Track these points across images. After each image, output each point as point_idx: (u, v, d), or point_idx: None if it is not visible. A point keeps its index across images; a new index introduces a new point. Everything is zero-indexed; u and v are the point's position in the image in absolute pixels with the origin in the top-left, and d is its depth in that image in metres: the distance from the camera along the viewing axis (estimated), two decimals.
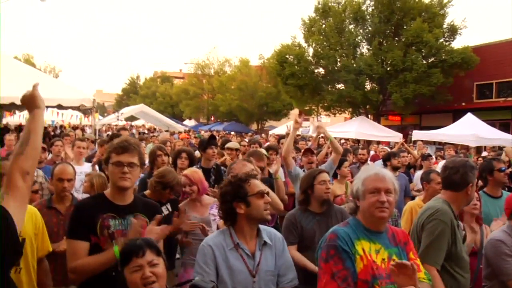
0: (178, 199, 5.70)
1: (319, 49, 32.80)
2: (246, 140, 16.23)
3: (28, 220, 3.89)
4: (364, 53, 32.48)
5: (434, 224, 3.90)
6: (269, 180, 6.31)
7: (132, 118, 38.84)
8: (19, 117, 33.40)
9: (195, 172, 5.48)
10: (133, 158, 3.49)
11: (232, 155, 8.83)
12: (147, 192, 5.39)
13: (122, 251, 2.94)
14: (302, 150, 8.27)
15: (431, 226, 3.91)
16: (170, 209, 5.33)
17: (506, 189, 6.92)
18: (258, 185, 3.56)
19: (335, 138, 9.19)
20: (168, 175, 5.31)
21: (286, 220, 5.10)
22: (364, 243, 3.18)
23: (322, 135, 9.20)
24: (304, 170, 7.40)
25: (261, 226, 3.61)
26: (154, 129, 37.48)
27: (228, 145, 9.24)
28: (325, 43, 32.47)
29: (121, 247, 3.00)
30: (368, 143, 23.29)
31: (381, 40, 31.16)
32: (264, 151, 7.66)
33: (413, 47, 29.44)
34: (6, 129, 28.35)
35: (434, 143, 24.09)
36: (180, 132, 28.91)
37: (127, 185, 3.48)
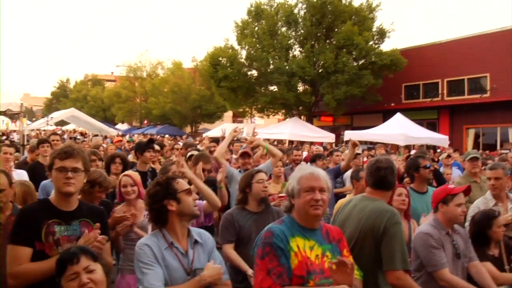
0: (111, 202, 5.64)
1: (252, 52, 32.98)
2: (180, 143, 16.14)
3: None
4: (297, 56, 32.90)
5: (396, 228, 3.93)
6: (214, 183, 6.31)
7: (62, 122, 37.99)
8: None
9: (136, 175, 5.53)
10: (76, 163, 3.49)
11: (154, 156, 8.75)
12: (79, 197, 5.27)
13: (57, 260, 2.90)
14: (239, 152, 8.30)
15: (394, 230, 3.91)
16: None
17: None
18: (184, 183, 3.67)
19: (268, 140, 9.31)
20: (93, 173, 5.21)
21: (223, 219, 5.17)
22: (298, 240, 3.28)
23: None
24: (240, 171, 7.46)
25: (190, 227, 3.66)
26: (85, 133, 36.66)
27: None
28: (258, 45, 32.66)
29: (58, 256, 2.96)
30: (301, 144, 23.63)
31: (313, 42, 31.63)
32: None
33: (344, 50, 30.10)
34: None
35: (365, 142, 24.68)
36: (112, 136, 28.42)
37: (71, 190, 3.46)
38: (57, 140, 9.50)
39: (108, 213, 5.16)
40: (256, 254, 3.29)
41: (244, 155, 7.89)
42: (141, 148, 7.74)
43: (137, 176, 5.47)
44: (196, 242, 3.58)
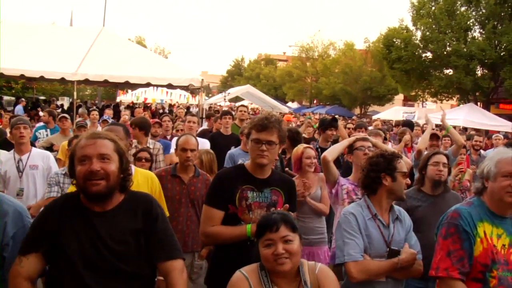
0: None
1: (428, 33, 31.62)
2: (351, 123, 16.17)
3: (144, 183, 4.14)
4: (476, 37, 30.92)
5: None
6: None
7: (236, 99, 39.66)
8: (131, 96, 35.21)
9: (314, 149, 5.82)
10: (271, 136, 3.56)
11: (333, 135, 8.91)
12: None
13: (258, 223, 3.00)
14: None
15: None
16: None
17: None
18: (404, 166, 3.86)
19: (440, 124, 9.05)
20: None
21: None
22: (486, 225, 3.14)
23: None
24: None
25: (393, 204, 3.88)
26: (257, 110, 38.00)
27: None
28: (434, 26, 31.24)
29: (258, 220, 3.08)
30: (477, 131, 22.38)
31: (496, 23, 29.44)
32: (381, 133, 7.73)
33: None
34: (117, 105, 30.04)
35: None
36: (282, 114, 29.16)
37: (264, 163, 3.60)
38: (245, 112, 10.04)
39: None
40: (440, 233, 3.23)
41: (433, 136, 7.74)
42: (324, 126, 7.94)
43: (315, 152, 5.78)
44: (397, 218, 3.77)
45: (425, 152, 7.52)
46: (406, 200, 4.84)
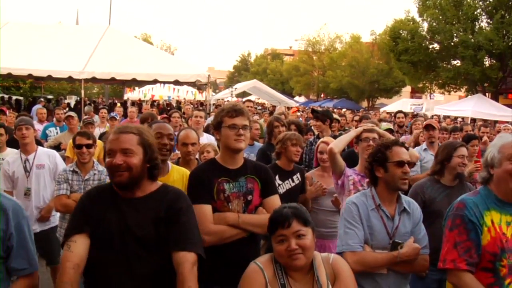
0: (303, 170, 5.93)
1: (435, 24, 31.53)
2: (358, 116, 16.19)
3: (178, 180, 4.10)
4: (484, 27, 30.70)
5: None
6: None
7: (243, 94, 39.65)
8: (139, 93, 35.31)
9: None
10: (246, 121, 3.60)
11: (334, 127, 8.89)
12: (278, 162, 5.63)
13: (270, 218, 2.99)
14: (424, 124, 8.12)
15: None
16: (300, 179, 5.62)
17: None
18: (400, 153, 3.65)
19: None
20: (292, 135, 5.59)
21: (412, 189, 4.98)
22: (494, 214, 3.09)
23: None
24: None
25: (402, 195, 3.74)
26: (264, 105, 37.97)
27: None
28: (440, 17, 31.13)
29: (270, 215, 3.05)
30: (485, 121, 22.26)
31: (504, 12, 29.15)
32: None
33: None
34: (125, 102, 30.13)
35: None
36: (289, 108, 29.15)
37: (242, 147, 3.58)
38: (251, 107, 9.91)
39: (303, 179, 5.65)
40: (446, 224, 3.19)
41: (429, 127, 7.70)
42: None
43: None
44: (404, 210, 3.66)
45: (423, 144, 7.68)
46: (424, 192, 4.85)
